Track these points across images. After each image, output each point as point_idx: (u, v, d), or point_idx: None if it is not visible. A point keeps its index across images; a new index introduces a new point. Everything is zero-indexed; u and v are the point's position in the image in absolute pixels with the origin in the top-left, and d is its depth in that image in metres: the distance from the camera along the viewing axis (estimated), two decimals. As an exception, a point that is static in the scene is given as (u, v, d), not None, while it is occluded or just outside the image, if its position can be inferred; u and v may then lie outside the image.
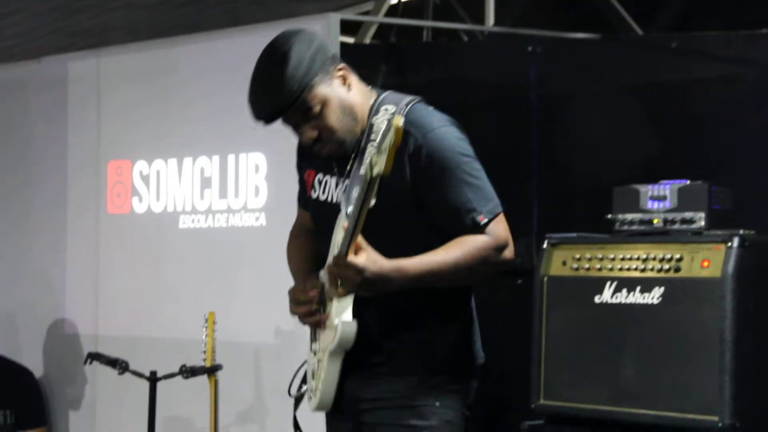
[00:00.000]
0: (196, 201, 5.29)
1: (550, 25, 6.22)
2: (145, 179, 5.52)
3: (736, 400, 3.82)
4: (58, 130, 5.90)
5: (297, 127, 2.93)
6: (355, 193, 2.77)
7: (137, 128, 5.62)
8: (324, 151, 2.95)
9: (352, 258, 2.61)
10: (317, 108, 2.85)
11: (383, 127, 2.79)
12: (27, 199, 6.06)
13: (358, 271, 2.60)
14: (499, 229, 2.87)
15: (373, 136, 2.86)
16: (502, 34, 6.27)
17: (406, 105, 2.98)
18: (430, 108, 3.00)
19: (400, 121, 2.45)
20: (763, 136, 5.03)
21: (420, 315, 3.01)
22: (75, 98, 5.86)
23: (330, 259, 2.85)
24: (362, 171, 2.69)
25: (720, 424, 3.80)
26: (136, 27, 6.47)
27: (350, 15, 6.62)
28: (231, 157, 5.14)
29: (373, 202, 2.65)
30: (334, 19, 4.87)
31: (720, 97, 5.22)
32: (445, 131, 2.91)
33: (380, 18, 6.37)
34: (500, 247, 2.86)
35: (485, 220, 2.80)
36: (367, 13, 6.90)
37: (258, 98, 2.92)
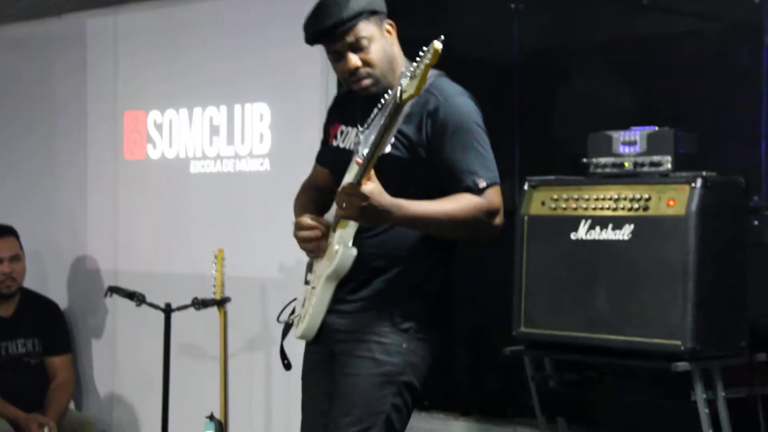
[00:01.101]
0: (205, 148, 5.32)
1: None
2: (159, 128, 5.53)
3: (696, 326, 3.77)
4: (78, 84, 5.91)
5: (340, 56, 2.95)
6: (372, 137, 2.77)
7: (151, 81, 5.63)
8: (359, 85, 2.98)
9: (362, 186, 2.64)
10: (365, 42, 2.91)
11: (414, 69, 2.67)
12: (51, 147, 6.11)
13: (364, 197, 2.62)
14: (495, 196, 2.88)
15: (401, 91, 2.72)
16: None
17: (436, 75, 2.97)
18: (453, 83, 3.03)
19: (438, 45, 2.47)
20: (726, 86, 4.74)
21: (404, 267, 2.98)
22: (93, 53, 5.87)
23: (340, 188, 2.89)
24: (390, 96, 2.66)
25: (682, 347, 3.76)
26: None
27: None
28: (237, 107, 5.15)
29: (388, 148, 2.76)
30: None
31: (687, 50, 4.90)
32: (464, 100, 2.96)
33: None
34: (492, 213, 2.86)
35: (484, 185, 2.82)
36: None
37: (319, 16, 2.96)
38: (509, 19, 5.37)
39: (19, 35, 6.38)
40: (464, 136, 2.92)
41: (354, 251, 2.95)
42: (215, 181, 5.36)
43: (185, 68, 5.49)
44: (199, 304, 4.75)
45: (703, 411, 3.88)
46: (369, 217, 2.79)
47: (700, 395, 3.90)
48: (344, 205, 2.78)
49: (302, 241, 3.05)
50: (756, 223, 4.37)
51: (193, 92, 5.40)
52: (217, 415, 4.89)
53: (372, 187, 2.67)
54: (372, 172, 2.72)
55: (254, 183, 5.14)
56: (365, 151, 2.80)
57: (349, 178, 2.93)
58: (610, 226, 4.13)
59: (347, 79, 3.07)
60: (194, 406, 5.01)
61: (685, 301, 3.81)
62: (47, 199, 6.05)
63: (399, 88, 2.56)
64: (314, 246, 3.04)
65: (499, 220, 2.92)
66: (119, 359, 5.76)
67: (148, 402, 5.27)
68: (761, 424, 4.08)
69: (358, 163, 2.82)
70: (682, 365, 3.81)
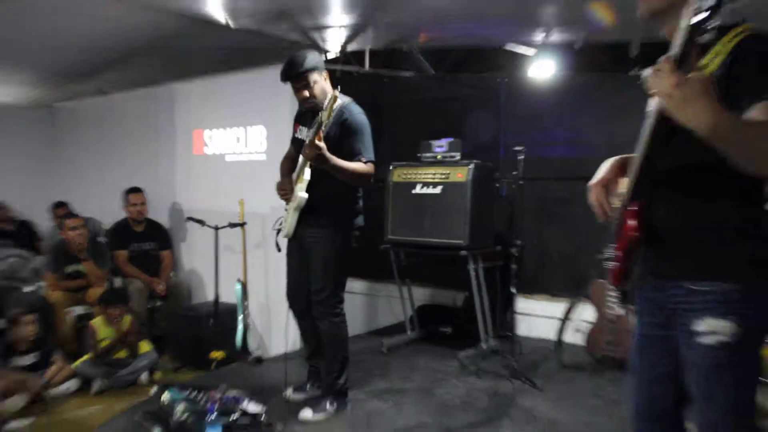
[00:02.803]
0: (233, 148, 6.03)
1: (388, 68, 6.59)
2: (209, 138, 6.24)
3: (470, 233, 4.97)
4: (170, 117, 6.57)
5: (298, 90, 3.70)
6: (312, 131, 3.49)
7: (204, 115, 6.24)
8: (307, 105, 3.76)
9: (318, 140, 3.40)
10: (311, 83, 3.68)
11: (327, 102, 3.41)
12: (158, 148, 6.74)
13: (319, 147, 3.40)
14: (371, 166, 3.71)
15: (323, 112, 3.45)
16: (372, 73, 6.38)
17: (348, 100, 3.81)
18: (356, 105, 3.82)
19: (336, 97, 3.36)
20: (484, 116, 5.98)
21: (336, 193, 3.78)
22: (179, 102, 6.53)
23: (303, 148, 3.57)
24: (318, 117, 3.49)
25: (463, 243, 4.94)
26: (190, 66, 6.20)
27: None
28: (249, 127, 5.86)
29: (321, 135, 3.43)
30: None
31: (464, 105, 6.19)
32: (360, 116, 3.76)
33: (340, 67, 6.28)
34: (369, 173, 3.73)
35: (365, 160, 3.68)
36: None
37: (288, 67, 3.67)
38: (381, 88, 6.56)
39: (142, 94, 6.96)
40: (357, 136, 3.73)
41: (305, 196, 3.74)
42: (238, 164, 5.95)
43: (222, 110, 6.07)
44: (232, 225, 5.46)
45: (472, 274, 4.97)
46: (319, 160, 3.48)
47: (471, 266, 4.97)
48: (307, 152, 3.50)
49: (279, 193, 3.93)
50: (497, 185, 5.70)
51: (226, 120, 6.04)
52: (242, 280, 5.48)
53: (321, 143, 3.43)
54: (318, 137, 3.40)
55: (258, 166, 5.73)
56: (310, 134, 3.50)
57: (308, 141, 3.49)
58: (431, 186, 5.19)
59: (301, 102, 3.83)
60: (230, 275, 5.48)
61: (465, 222, 4.96)
62: (157, 174, 6.66)
63: (321, 114, 3.42)
64: (284, 196, 3.89)
65: (372, 179, 3.74)
66: (194, 253, 6.38)
67: (208, 273, 5.66)
68: (497, 281, 5.34)
69: (307, 139, 3.48)
70: (463, 252, 4.93)
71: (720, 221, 1.74)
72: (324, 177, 3.69)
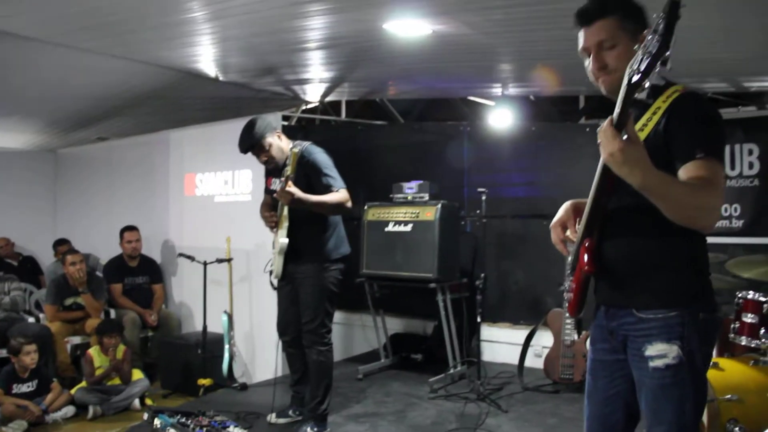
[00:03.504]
0: (222, 190, 5.94)
1: (373, 118, 6.84)
2: (200, 181, 6.16)
3: (438, 267, 5.00)
4: (165, 162, 6.49)
5: (258, 156, 3.85)
6: (281, 181, 3.63)
7: (197, 160, 6.17)
8: (269, 166, 3.92)
9: (288, 187, 3.50)
10: (267, 147, 3.78)
11: (289, 158, 3.58)
12: (154, 189, 6.63)
13: (291, 192, 3.50)
14: (344, 193, 3.73)
15: (287, 167, 3.59)
16: (348, 122, 6.66)
17: (307, 144, 3.85)
18: (316, 146, 3.86)
19: (296, 150, 3.54)
20: (452, 161, 6.10)
21: (315, 232, 3.82)
22: (173, 148, 6.42)
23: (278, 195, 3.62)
24: (284, 173, 3.63)
25: (432, 276, 4.97)
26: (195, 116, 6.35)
27: (285, 112, 6.38)
28: (236, 171, 5.80)
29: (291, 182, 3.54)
30: (278, 114, 5.33)
31: (431, 150, 6.26)
32: (321, 155, 3.81)
33: (298, 114, 6.60)
34: (346, 200, 3.75)
35: (337, 189, 3.72)
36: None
37: (241, 142, 3.81)
38: (356, 134, 6.48)
39: (139, 141, 6.93)
40: (324, 169, 3.77)
41: (286, 242, 3.78)
42: (226, 205, 5.88)
43: (212, 155, 5.99)
44: (219, 261, 5.44)
45: (441, 305, 5.00)
46: (295, 203, 3.56)
47: (439, 297, 5.00)
48: (282, 197, 3.56)
49: (266, 221, 3.89)
50: (462, 223, 5.80)
51: (215, 165, 5.97)
52: (228, 311, 5.45)
53: (294, 188, 3.52)
54: (290, 183, 3.51)
55: (244, 206, 5.59)
56: (281, 184, 3.61)
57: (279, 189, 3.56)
58: (402, 224, 5.24)
59: (263, 164, 3.95)
60: (217, 307, 5.40)
61: (433, 257, 5.00)
62: (152, 213, 6.56)
63: (286, 169, 3.56)
64: (270, 223, 3.85)
65: (349, 204, 3.74)
66: (183, 286, 6.24)
67: (197, 305, 5.59)
68: (464, 311, 5.25)
69: (279, 189, 3.56)
70: (432, 285, 4.98)
71: (662, 256, 1.79)
72: (302, 220, 3.73)
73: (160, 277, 6.36)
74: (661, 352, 1.76)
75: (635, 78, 1.46)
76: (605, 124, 1.58)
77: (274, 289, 3.99)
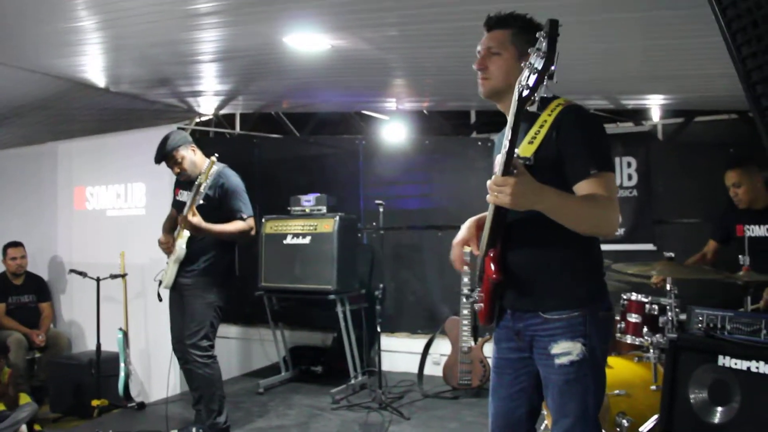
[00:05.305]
0: (114, 203, 5.85)
1: (268, 131, 6.66)
2: (91, 194, 6.01)
3: (337, 279, 5.08)
4: (53, 175, 6.28)
5: (172, 168, 3.90)
6: (191, 196, 3.67)
7: (88, 173, 6.01)
8: (181, 178, 3.96)
9: (190, 216, 3.61)
10: (180, 159, 3.85)
11: (206, 167, 3.64)
12: (42, 204, 6.36)
13: (191, 223, 3.62)
14: (251, 221, 3.85)
15: (201, 175, 3.66)
16: (243, 135, 6.57)
17: (223, 166, 3.90)
18: (231, 170, 3.94)
19: (213, 159, 3.58)
20: (348, 175, 6.22)
21: (210, 253, 3.87)
22: (61, 160, 6.25)
23: (180, 219, 3.73)
24: (195, 184, 3.67)
25: (332, 288, 5.06)
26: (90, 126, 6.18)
27: (179, 125, 5.67)
28: (130, 184, 5.71)
29: (200, 199, 3.66)
30: (173, 127, 4.93)
31: (327, 163, 6.38)
32: (236, 179, 3.90)
33: (192, 126, 6.28)
34: (250, 228, 3.87)
35: (245, 217, 3.83)
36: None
37: (156, 152, 3.86)
38: (254, 148, 6.43)
39: (24, 152, 6.64)
40: (236, 194, 3.85)
41: (184, 250, 3.83)
42: (119, 219, 5.78)
43: (103, 168, 5.90)
44: (113, 276, 5.30)
45: (341, 316, 5.10)
46: (194, 230, 3.71)
47: (339, 308, 5.08)
48: (183, 225, 3.71)
49: (162, 247, 3.97)
50: (359, 234, 5.72)
51: (107, 177, 5.86)
52: (124, 328, 5.36)
53: (197, 219, 3.63)
54: (194, 209, 3.61)
55: (138, 220, 5.59)
56: (189, 202, 3.67)
57: (184, 214, 3.70)
58: (300, 237, 5.30)
59: (176, 175, 4.00)
60: (112, 324, 5.27)
61: (332, 268, 5.07)
62: (38, 228, 6.31)
63: (199, 177, 3.62)
64: (166, 249, 3.95)
65: (252, 232, 3.89)
66: (74, 304, 6.01)
67: (89, 323, 5.37)
68: (363, 321, 5.28)
69: (180, 218, 3.66)
70: (332, 296, 5.06)
71: (563, 261, 1.91)
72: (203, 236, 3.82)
73: (48, 295, 6.11)
74: (566, 350, 1.87)
75: (525, 92, 1.56)
76: (492, 180, 1.69)
77: (160, 300, 3.98)
